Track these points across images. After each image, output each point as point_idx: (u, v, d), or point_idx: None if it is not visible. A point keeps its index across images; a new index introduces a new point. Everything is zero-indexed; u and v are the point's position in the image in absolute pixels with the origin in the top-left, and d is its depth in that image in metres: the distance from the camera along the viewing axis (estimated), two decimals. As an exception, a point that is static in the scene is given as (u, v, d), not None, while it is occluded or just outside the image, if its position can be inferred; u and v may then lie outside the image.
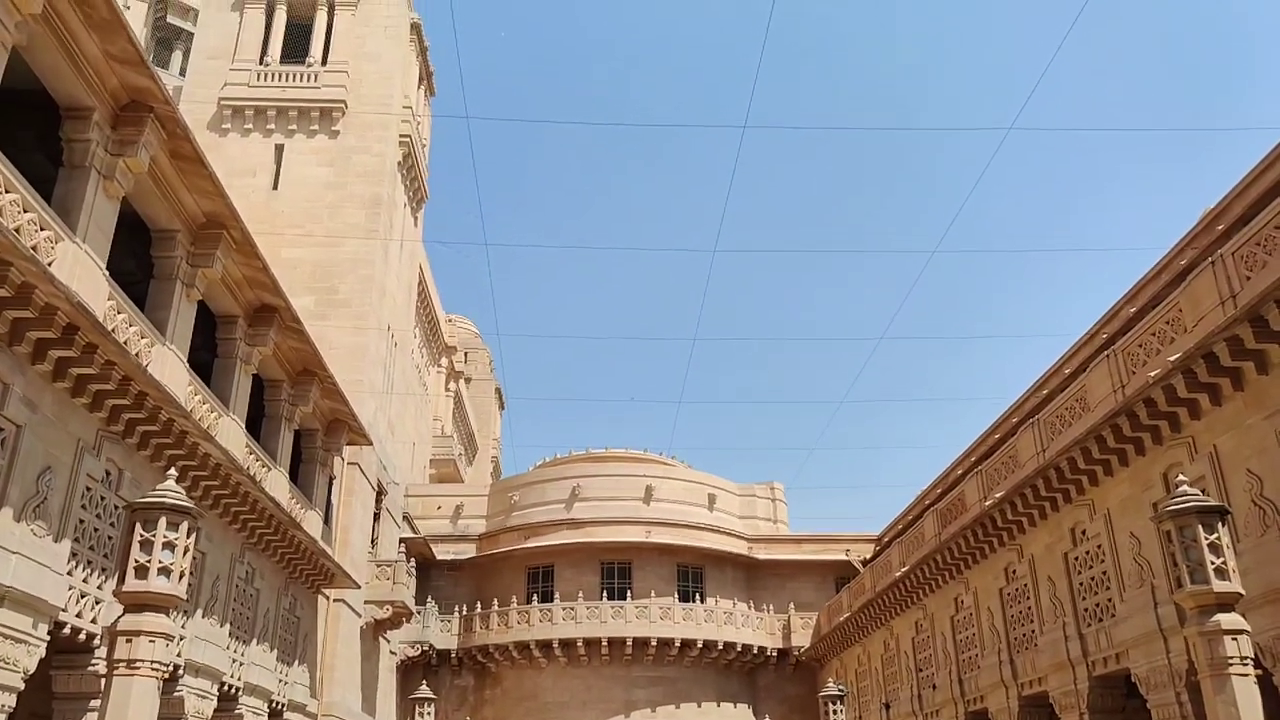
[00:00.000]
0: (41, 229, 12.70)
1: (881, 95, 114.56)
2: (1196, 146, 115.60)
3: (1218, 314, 15.66)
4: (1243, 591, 10.75)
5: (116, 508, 15.32)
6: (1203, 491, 15.23)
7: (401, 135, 36.19)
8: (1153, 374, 17.02)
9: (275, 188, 33.49)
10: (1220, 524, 10.80)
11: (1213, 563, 10.51)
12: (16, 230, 12.01)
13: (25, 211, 12.32)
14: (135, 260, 17.67)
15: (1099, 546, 20.27)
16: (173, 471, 10.70)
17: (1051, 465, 20.70)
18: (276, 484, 21.05)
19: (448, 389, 53.16)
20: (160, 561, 9.49)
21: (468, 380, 59.96)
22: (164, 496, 9.72)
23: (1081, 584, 20.99)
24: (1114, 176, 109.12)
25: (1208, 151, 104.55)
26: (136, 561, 9.46)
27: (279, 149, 34.17)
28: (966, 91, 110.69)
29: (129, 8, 45.50)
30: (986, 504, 23.83)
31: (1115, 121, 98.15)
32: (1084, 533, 20.90)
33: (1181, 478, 11.98)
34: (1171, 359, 16.42)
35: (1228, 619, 10.32)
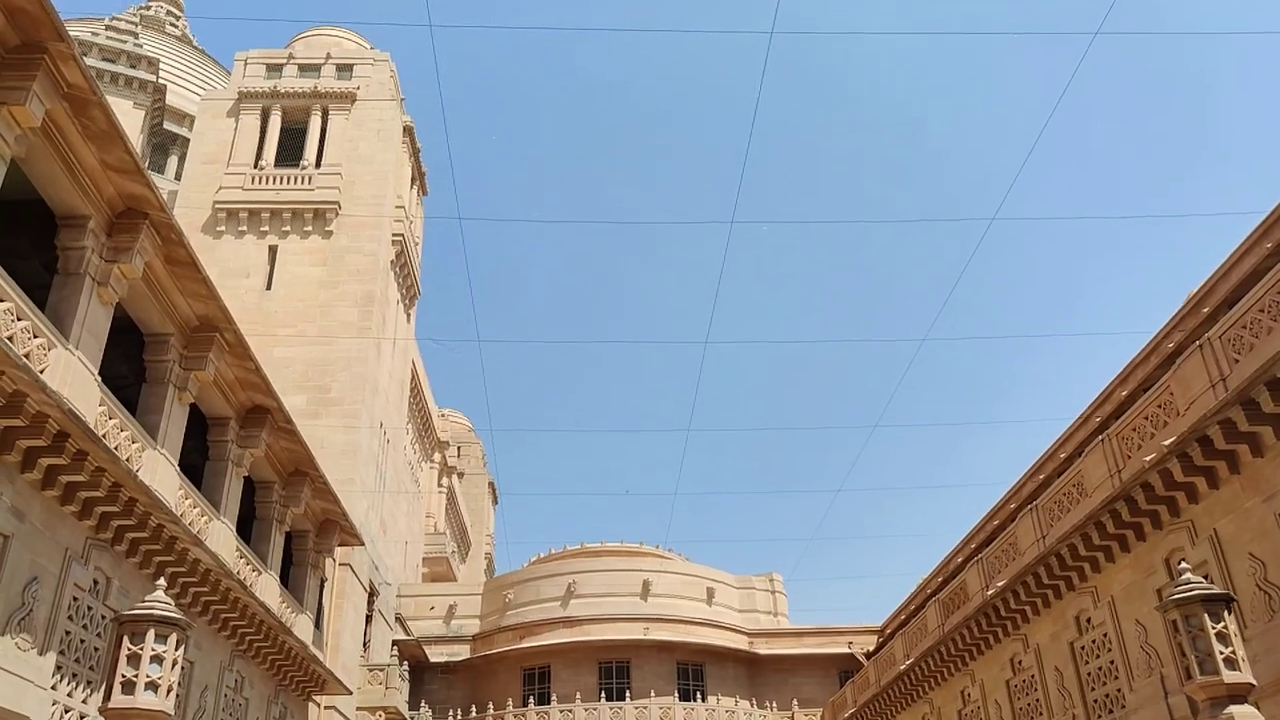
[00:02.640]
0: (34, 336, 12.72)
1: (871, 185, 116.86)
2: (1179, 231, 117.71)
3: (1209, 397, 15.71)
4: (1254, 682, 10.54)
5: (104, 618, 15.01)
6: (1206, 577, 15.09)
7: (394, 234, 36.65)
8: (1148, 458, 16.98)
9: (268, 288, 33.76)
10: (1226, 612, 10.65)
11: (1221, 652, 10.33)
12: (10, 338, 12.03)
13: (19, 319, 12.36)
14: (128, 364, 17.68)
15: (1105, 635, 19.93)
16: (161, 581, 10.50)
17: (1052, 552, 20.47)
18: (267, 588, 20.68)
19: (440, 485, 52.74)
20: (148, 676, 9.24)
21: (460, 475, 59.52)
22: (153, 608, 9.52)
23: (1089, 674, 20.58)
24: (1101, 261, 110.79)
25: (1190, 235, 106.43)
26: (123, 676, 9.22)
27: (273, 250, 34.55)
28: (953, 182, 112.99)
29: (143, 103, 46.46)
30: (989, 593, 23.49)
31: (1098, 208, 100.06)
32: (1089, 621, 20.57)
33: (1184, 564, 11.85)
34: (1166, 443, 16.41)
35: (1240, 711, 10.10)
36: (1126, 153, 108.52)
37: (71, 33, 12.44)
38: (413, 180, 41.50)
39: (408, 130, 40.39)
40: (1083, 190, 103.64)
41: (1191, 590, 10.78)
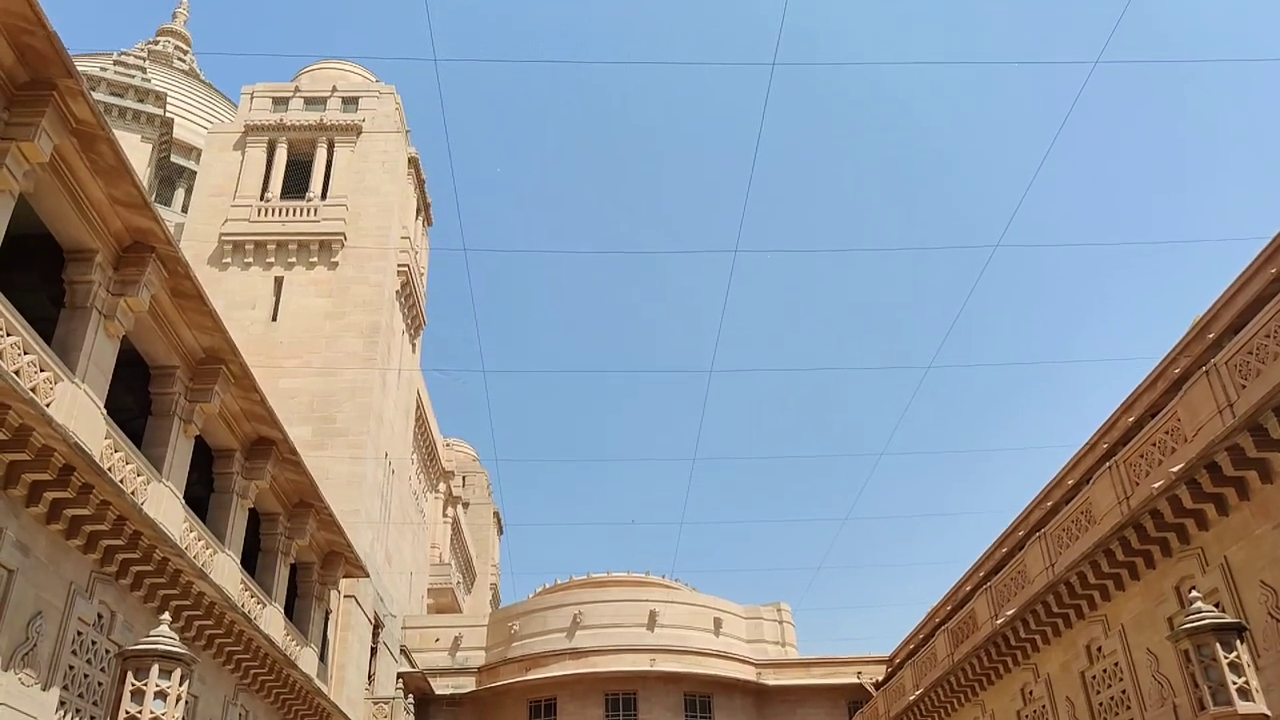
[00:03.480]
0: (41, 370, 12.75)
1: (876, 209, 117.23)
2: (1182, 254, 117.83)
3: (1216, 423, 15.62)
4: (1269, 712, 10.42)
5: (108, 652, 14.94)
6: (1217, 605, 14.96)
7: (400, 265, 36.77)
8: (1156, 485, 16.88)
9: (274, 319, 33.84)
10: (1238, 641, 10.55)
11: (1234, 682, 10.23)
12: (16, 372, 12.06)
13: (25, 353, 12.39)
14: (133, 396, 17.70)
15: (1116, 664, 19.73)
16: (166, 616, 10.46)
17: (1061, 580, 20.31)
18: (271, 621, 20.58)
19: (445, 515, 52.58)
20: (152, 711, 9.19)
21: (465, 505, 59.36)
22: (157, 643, 9.48)
23: (1101, 704, 20.34)
24: (1106, 284, 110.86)
25: (1194, 259, 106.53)
26: (127, 712, 9.18)
27: (278, 281, 34.67)
28: (959, 204, 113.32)
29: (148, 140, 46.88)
30: (998, 622, 23.29)
31: (1103, 231, 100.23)
32: (1100, 650, 20.37)
33: (1194, 593, 11.75)
34: (1174, 469, 16.31)
35: (1256, 742, 9.98)
36: (1130, 174, 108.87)
37: (80, 68, 12.56)
38: (418, 211, 41.70)
39: (413, 161, 40.64)
40: (1088, 213, 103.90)
41: (1203, 619, 10.68)
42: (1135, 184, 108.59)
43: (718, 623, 40.39)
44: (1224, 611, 13.76)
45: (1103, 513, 19.19)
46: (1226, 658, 10.35)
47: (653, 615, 39.14)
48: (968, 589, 30.97)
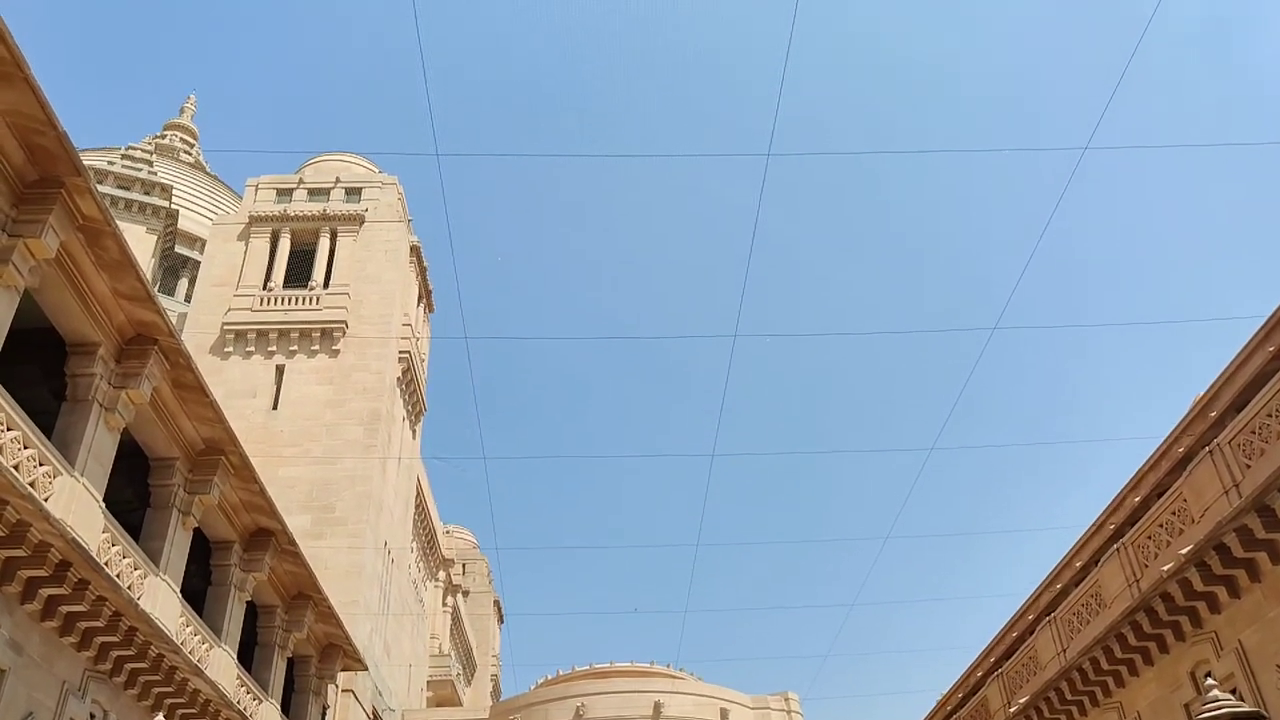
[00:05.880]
0: (40, 464, 12.70)
1: (869, 295, 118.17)
2: (1178, 333, 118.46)
3: (1223, 504, 15.48)
4: (1293, 805, 10.11)
5: (98, 753, 14.56)
6: (1233, 691, 14.63)
7: (401, 352, 36.90)
8: (1165, 568, 16.65)
9: (275, 407, 33.81)
10: (1258, 730, 10.29)
11: (1257, 774, 9.94)
12: (15, 467, 12.00)
13: (25, 448, 12.35)
14: (132, 488, 17.59)
15: (1134, 753, 19.20)
16: (160, 716, 10.22)
17: (1074, 667, 19.90)
18: (268, 718, 20.11)
19: (445, 604, 51.77)
20: (142, 818, 8.91)
21: (465, 593, 58.50)
22: (149, 745, 9.25)
23: (1121, 796, 19.74)
24: (1104, 367, 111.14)
25: (1189, 338, 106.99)
26: (116, 819, 8.89)
27: (280, 370, 34.75)
28: (952, 291, 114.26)
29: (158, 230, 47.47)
30: (1011, 711, 22.76)
31: (1098, 310, 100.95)
32: (1116, 738, 19.86)
33: (1210, 679, 11.51)
34: (1183, 551, 16.11)
35: (1282, 837, 9.66)
36: (1124, 252, 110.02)
37: (88, 162, 12.82)
38: (419, 298, 42.02)
39: (415, 250, 41.10)
40: (1082, 291, 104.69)
41: (1220, 708, 10.43)
42: (1127, 262, 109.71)
43: (724, 713, 39.43)
44: (1241, 698, 13.47)
45: (1113, 596, 18.90)
46: (1247, 748, 10.08)
47: (657, 707, 38.21)
48: (978, 675, 30.29)
